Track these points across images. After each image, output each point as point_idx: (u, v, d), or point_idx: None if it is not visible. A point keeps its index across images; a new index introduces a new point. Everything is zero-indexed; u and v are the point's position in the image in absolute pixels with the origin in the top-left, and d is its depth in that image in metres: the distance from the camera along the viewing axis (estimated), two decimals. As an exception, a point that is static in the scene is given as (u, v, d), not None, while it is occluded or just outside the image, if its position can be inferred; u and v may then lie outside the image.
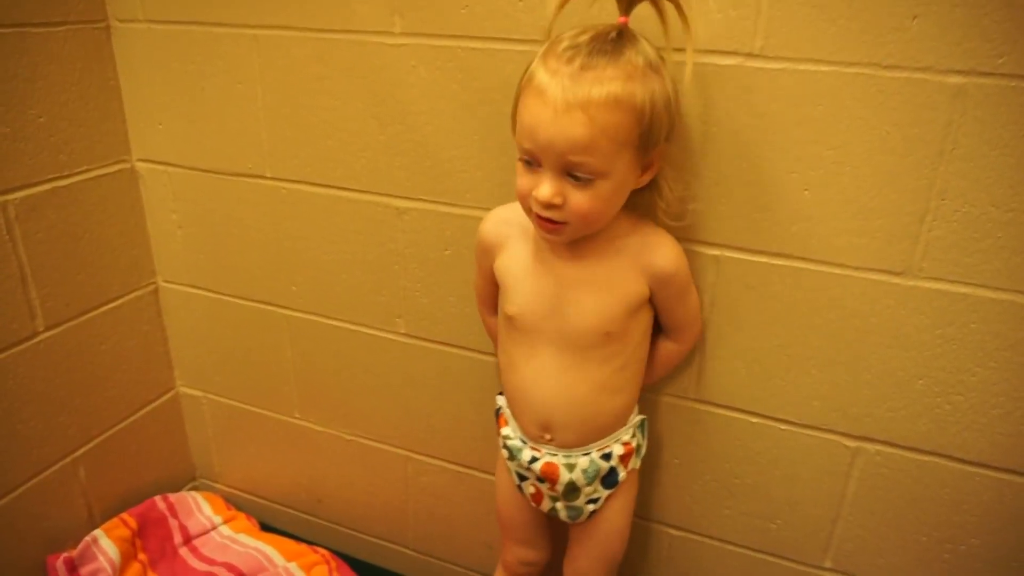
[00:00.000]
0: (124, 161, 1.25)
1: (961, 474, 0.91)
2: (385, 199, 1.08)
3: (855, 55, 0.78)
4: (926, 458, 0.92)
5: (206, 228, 1.26)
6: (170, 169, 1.24)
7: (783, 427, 0.98)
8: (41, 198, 1.11)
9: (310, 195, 1.14)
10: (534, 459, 0.93)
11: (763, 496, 1.03)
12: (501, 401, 1.00)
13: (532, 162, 0.77)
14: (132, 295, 1.31)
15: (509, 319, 0.91)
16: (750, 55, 0.81)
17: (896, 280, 0.85)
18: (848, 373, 0.91)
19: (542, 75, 0.74)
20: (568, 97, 0.71)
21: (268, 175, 1.16)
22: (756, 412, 0.98)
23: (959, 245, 0.81)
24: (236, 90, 1.12)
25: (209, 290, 1.31)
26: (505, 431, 0.98)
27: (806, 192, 0.84)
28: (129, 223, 1.28)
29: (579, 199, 0.76)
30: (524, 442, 0.95)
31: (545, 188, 0.76)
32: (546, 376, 0.90)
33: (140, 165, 1.26)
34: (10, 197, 1.07)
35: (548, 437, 0.92)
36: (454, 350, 1.14)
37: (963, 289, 0.82)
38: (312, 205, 1.14)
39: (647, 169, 0.80)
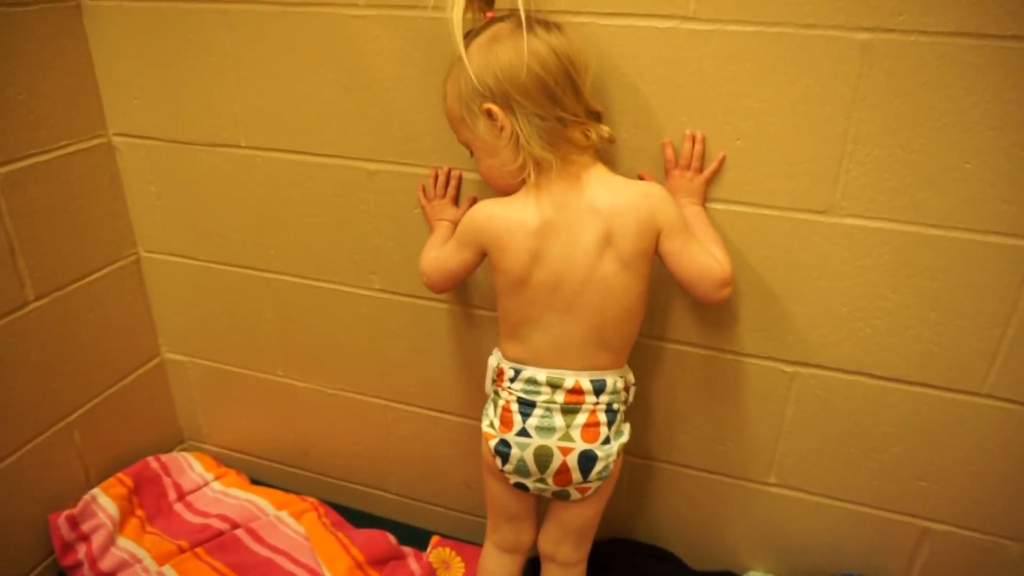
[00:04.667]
0: (101, 136, 1.29)
1: (882, 390, 1.02)
2: (356, 162, 1.15)
3: (777, 15, 0.86)
4: (852, 378, 1.03)
5: (184, 198, 1.31)
6: (147, 142, 1.29)
7: (728, 357, 1.08)
8: (23, 173, 1.16)
9: (284, 162, 1.20)
10: None
11: (713, 422, 1.14)
12: None
13: None
14: (115, 265, 1.36)
15: None
16: (685, 18, 0.90)
17: (820, 218, 0.95)
18: (782, 305, 1.02)
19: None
20: None
21: (243, 144, 1.21)
22: (704, 344, 1.09)
23: (872, 185, 0.91)
24: (209, 64, 1.17)
25: (190, 257, 1.37)
26: None
27: (739, 142, 0.94)
28: (109, 196, 1.33)
29: None
30: None
31: None
32: None
33: (117, 139, 1.31)
34: (-5, 172, 1.12)
35: None
36: (426, 302, 1.22)
37: (876, 224, 0.93)
38: (286, 171, 1.21)
39: None
